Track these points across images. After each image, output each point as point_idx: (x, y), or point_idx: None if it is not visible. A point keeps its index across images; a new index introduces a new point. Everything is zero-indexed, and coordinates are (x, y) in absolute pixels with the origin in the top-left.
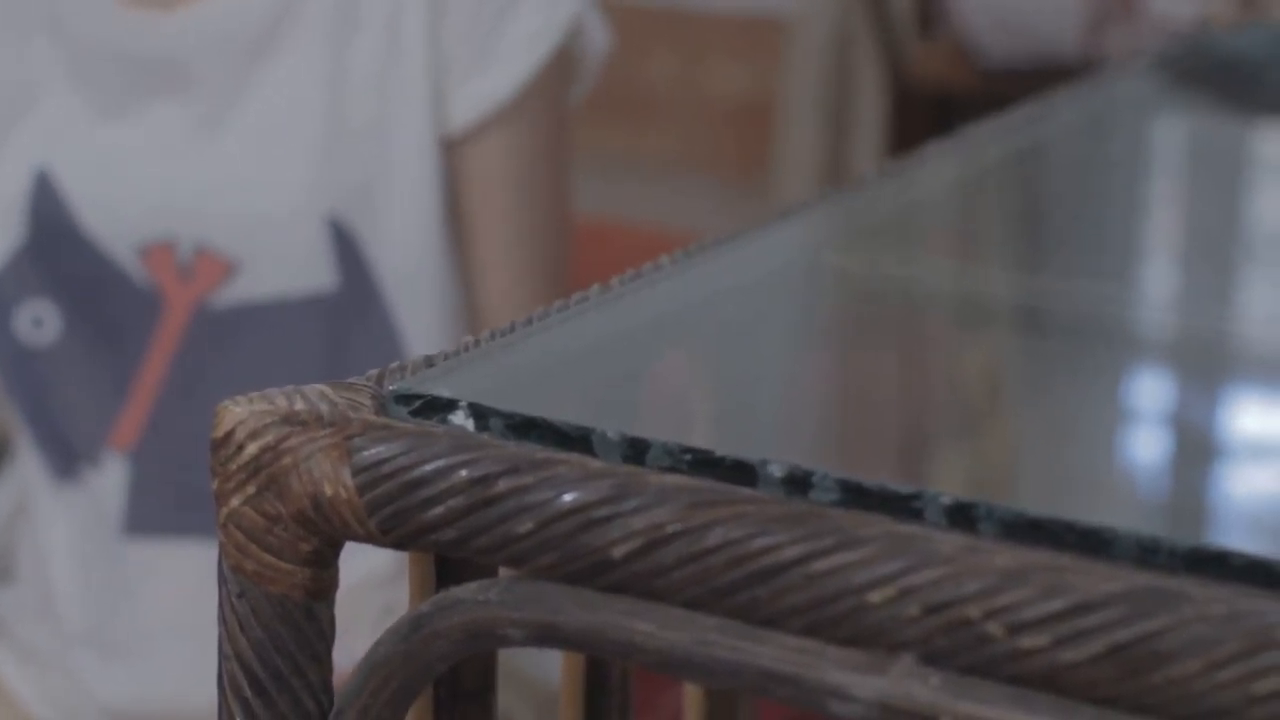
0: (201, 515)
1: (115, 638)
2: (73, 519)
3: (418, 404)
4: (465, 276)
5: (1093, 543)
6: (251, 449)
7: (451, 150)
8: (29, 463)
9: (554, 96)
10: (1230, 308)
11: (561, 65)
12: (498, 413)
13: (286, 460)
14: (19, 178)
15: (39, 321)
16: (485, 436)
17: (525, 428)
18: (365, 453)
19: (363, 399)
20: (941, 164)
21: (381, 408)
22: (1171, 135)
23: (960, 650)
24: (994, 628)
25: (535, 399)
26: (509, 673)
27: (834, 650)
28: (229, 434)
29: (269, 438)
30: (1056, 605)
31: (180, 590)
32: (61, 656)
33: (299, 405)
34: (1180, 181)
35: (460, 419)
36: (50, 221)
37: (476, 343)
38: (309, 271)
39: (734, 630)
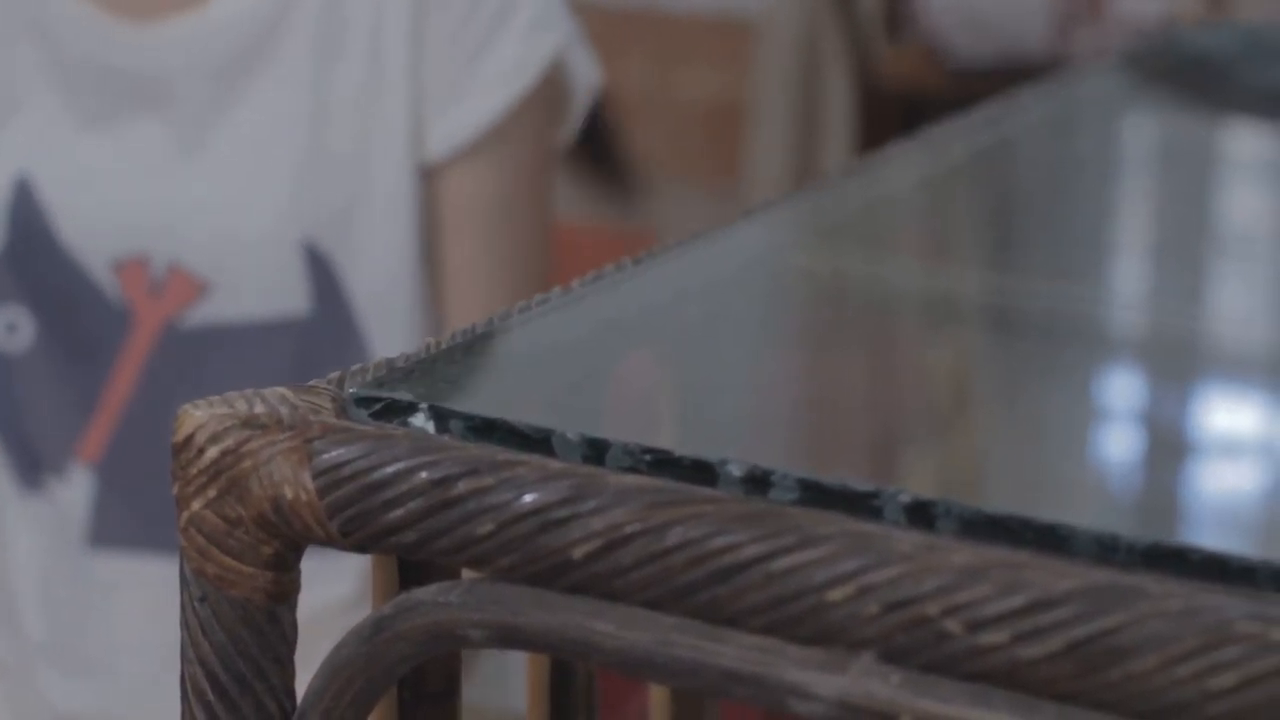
0: (165, 530)
1: (77, 650)
2: (37, 529)
3: (378, 406)
4: (438, 303)
5: (1051, 539)
6: (212, 452)
7: (429, 178)
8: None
9: (534, 129)
10: (1198, 305)
11: (544, 98)
12: (458, 415)
13: (247, 463)
14: (0, 183)
15: (13, 327)
16: (445, 438)
17: (486, 429)
18: (325, 455)
19: (323, 402)
20: (907, 162)
21: (342, 410)
22: (1139, 133)
23: (920, 648)
24: (953, 625)
25: (496, 400)
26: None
27: (794, 649)
28: (189, 438)
29: (229, 441)
30: (1015, 602)
31: (143, 604)
32: (23, 666)
33: (259, 408)
34: (1148, 179)
35: (420, 421)
36: (28, 229)
37: (437, 344)
38: (282, 295)
39: (694, 630)
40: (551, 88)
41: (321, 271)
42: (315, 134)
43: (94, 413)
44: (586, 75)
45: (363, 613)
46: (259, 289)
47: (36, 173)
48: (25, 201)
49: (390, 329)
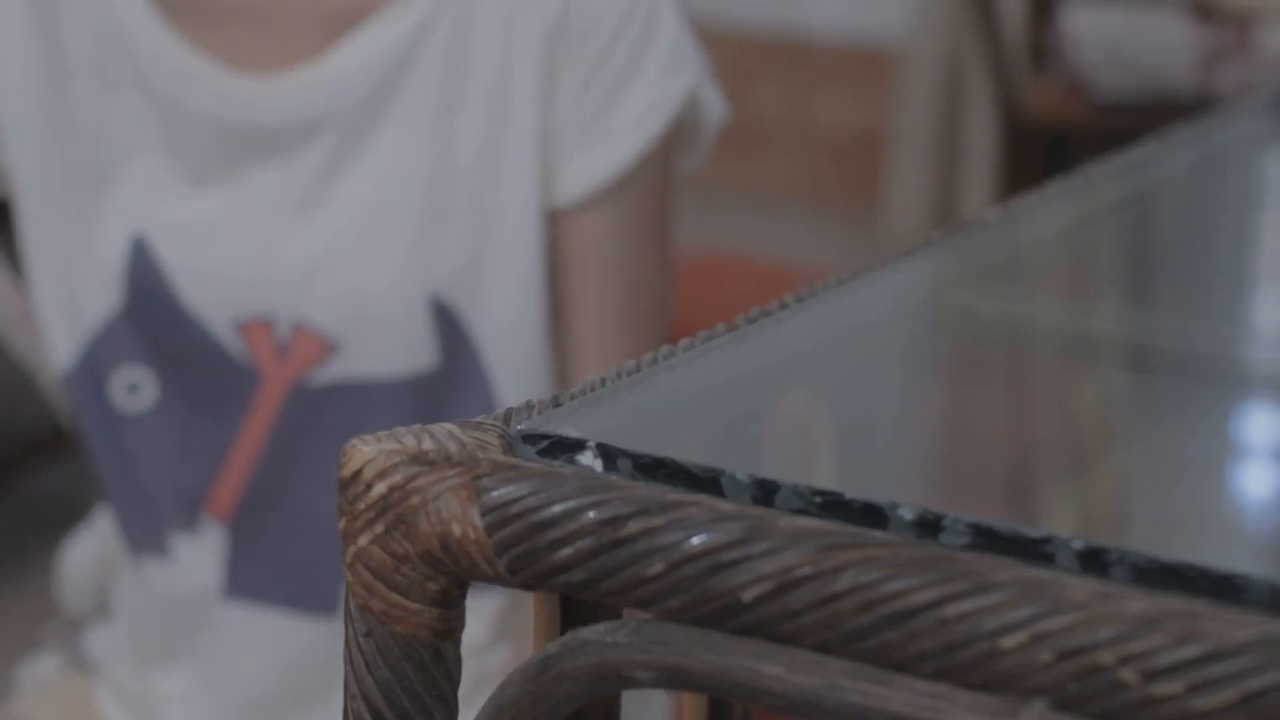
0: (296, 585)
1: (205, 702)
2: (166, 588)
3: (545, 444)
4: (561, 347)
5: (1225, 588)
6: (380, 488)
7: (555, 222)
8: (117, 525)
9: (663, 169)
10: None
11: (674, 139)
12: (625, 453)
13: (415, 500)
14: (116, 242)
15: (135, 387)
16: (614, 477)
17: (653, 468)
18: (494, 493)
19: (490, 439)
20: (1061, 202)
21: (509, 447)
22: None
23: (1093, 697)
24: (1127, 674)
25: (662, 438)
26: None
27: (965, 696)
28: (357, 473)
29: (397, 477)
30: (1190, 652)
31: (272, 658)
32: (152, 709)
33: (427, 444)
34: None
35: (588, 459)
36: (147, 289)
37: (603, 381)
38: (410, 351)
39: (864, 674)
40: (682, 126)
41: (449, 324)
42: (438, 186)
43: (221, 470)
44: (715, 110)
45: (490, 658)
46: (387, 345)
47: (152, 232)
48: (142, 262)
49: (515, 373)
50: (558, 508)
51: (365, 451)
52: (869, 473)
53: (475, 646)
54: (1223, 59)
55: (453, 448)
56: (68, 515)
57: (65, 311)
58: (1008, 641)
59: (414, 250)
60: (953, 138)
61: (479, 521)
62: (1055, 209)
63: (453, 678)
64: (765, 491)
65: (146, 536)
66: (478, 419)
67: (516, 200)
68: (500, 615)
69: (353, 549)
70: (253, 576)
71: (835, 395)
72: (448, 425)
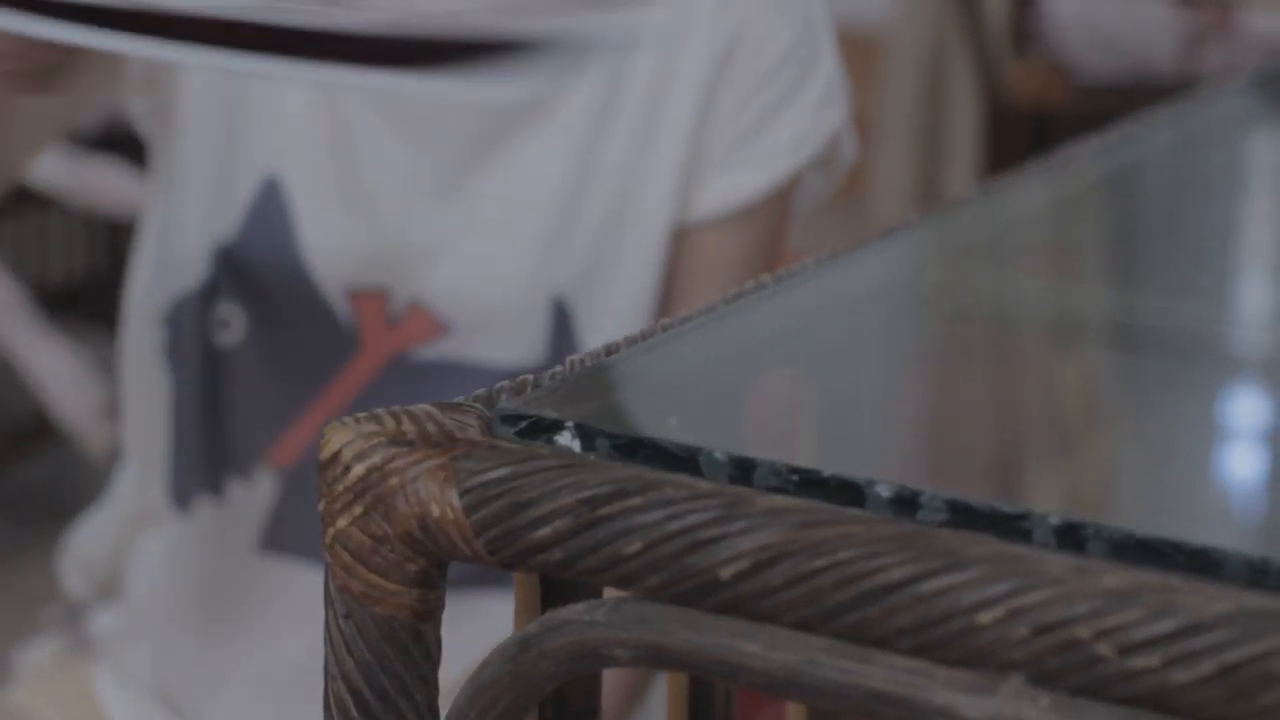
0: None
1: (231, 653)
2: (211, 532)
3: (524, 425)
4: None
5: (1202, 563)
6: (358, 470)
7: (682, 237)
8: (170, 468)
9: (791, 199)
10: None
11: (813, 170)
12: (604, 433)
13: (393, 481)
14: (247, 175)
15: (225, 322)
16: (592, 457)
17: (632, 448)
18: (472, 474)
19: (469, 420)
20: (1042, 183)
21: (488, 428)
22: (1270, 155)
23: (1070, 671)
24: (1104, 648)
25: (641, 419)
26: None
27: (943, 671)
28: (336, 455)
29: (375, 458)
30: (1167, 626)
31: (304, 611)
32: (163, 681)
33: (406, 426)
34: (1277, 199)
35: (567, 439)
36: (267, 229)
37: (582, 363)
38: (520, 344)
39: (842, 651)
40: (823, 161)
41: (563, 324)
42: (578, 194)
43: (292, 422)
44: (848, 150)
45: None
46: (498, 337)
47: (288, 176)
48: (271, 201)
49: None
50: (536, 488)
51: (344, 433)
52: (848, 450)
53: None
54: (1204, 41)
55: (431, 429)
56: (54, 505)
57: (190, 233)
58: (984, 617)
59: (543, 251)
60: (936, 122)
61: (457, 502)
62: (1034, 189)
63: (433, 658)
64: (743, 470)
65: (205, 476)
66: (457, 399)
67: (653, 212)
68: None
69: (332, 531)
70: (293, 533)
71: (814, 374)
72: (426, 406)
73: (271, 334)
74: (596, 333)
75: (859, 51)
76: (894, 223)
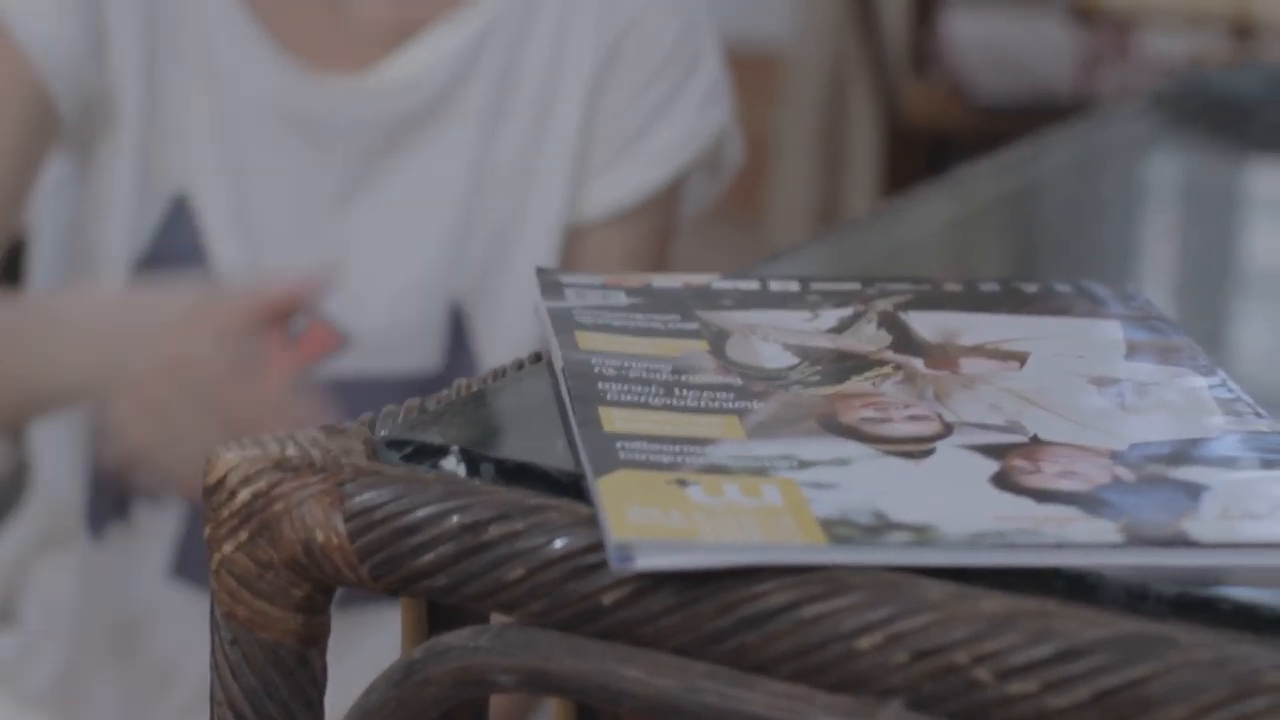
0: None
1: (135, 675)
2: (121, 557)
3: (409, 449)
4: None
5: (1079, 588)
6: (244, 495)
7: (573, 238)
8: (75, 495)
9: (677, 199)
10: (1224, 343)
11: (699, 168)
12: (488, 458)
13: (278, 506)
14: (158, 194)
15: None
16: (476, 482)
17: (517, 473)
18: (356, 499)
19: (354, 444)
20: (936, 204)
21: (373, 453)
22: (1167, 173)
23: (949, 696)
24: (982, 673)
25: (526, 444)
26: None
27: (823, 696)
28: (221, 480)
29: (261, 483)
30: (1044, 651)
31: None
32: (80, 685)
33: (291, 451)
34: (1176, 219)
35: (452, 464)
36: (177, 248)
37: (468, 387)
38: (417, 351)
39: (723, 676)
40: (708, 159)
41: (459, 330)
42: (472, 195)
43: None
44: (734, 152)
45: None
46: (395, 346)
47: (197, 193)
48: (181, 219)
49: None
50: (420, 513)
51: (229, 458)
52: None
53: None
54: (1101, 62)
55: (316, 454)
56: None
57: (105, 254)
58: (864, 642)
59: (440, 254)
60: (836, 141)
61: (342, 527)
62: (928, 210)
63: (318, 684)
64: None
65: (118, 501)
66: (342, 424)
67: (543, 217)
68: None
69: (218, 556)
70: (202, 560)
71: None
72: (312, 431)
73: None
74: (492, 339)
75: (759, 70)
76: (794, 240)
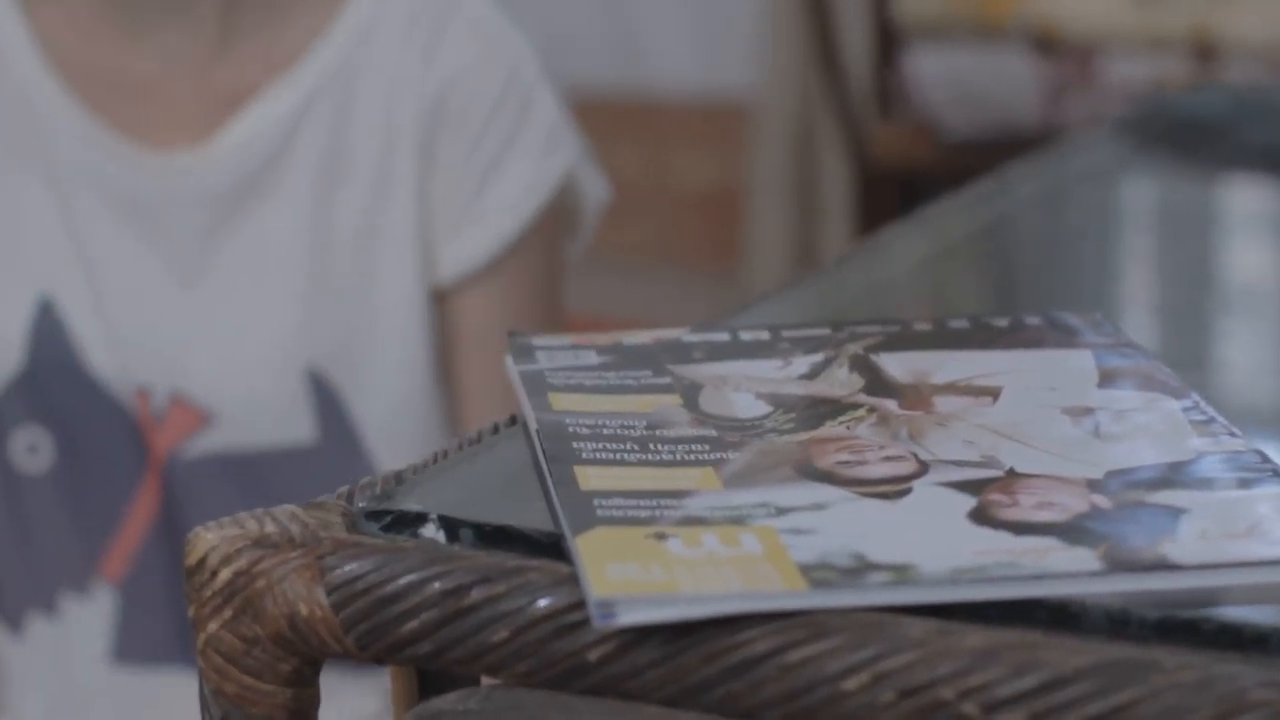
0: (190, 645)
1: None
2: (51, 649)
3: (388, 519)
4: (455, 423)
5: (1062, 618)
6: (225, 574)
7: (440, 299)
8: (3, 593)
9: (544, 246)
10: (1206, 364)
11: (553, 216)
12: (467, 523)
13: (260, 583)
14: (19, 306)
15: (34, 449)
16: (456, 548)
17: (495, 537)
18: (337, 571)
19: (333, 517)
20: (906, 243)
21: (352, 525)
22: (1137, 198)
23: None
24: (969, 708)
25: (504, 507)
26: None
27: None
28: (202, 560)
29: (242, 562)
30: (1029, 682)
31: (164, 717)
32: None
33: (270, 528)
34: (1147, 242)
35: (431, 531)
36: (51, 353)
37: (444, 454)
38: (286, 424)
39: None
40: (561, 205)
41: (326, 398)
42: (317, 262)
43: (115, 534)
44: (595, 190)
45: None
46: (262, 418)
47: (59, 296)
48: (48, 325)
49: (403, 451)
50: (401, 581)
51: (208, 538)
52: None
53: (368, 718)
54: (1066, 91)
55: (295, 529)
56: None
57: None
58: (850, 683)
59: (292, 323)
60: (808, 187)
61: (325, 600)
62: (898, 250)
63: None
64: None
65: (36, 595)
66: (319, 499)
67: (397, 280)
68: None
69: (203, 635)
70: (143, 640)
71: None
72: (290, 507)
73: (78, 452)
74: (366, 406)
75: (727, 121)
76: (773, 286)
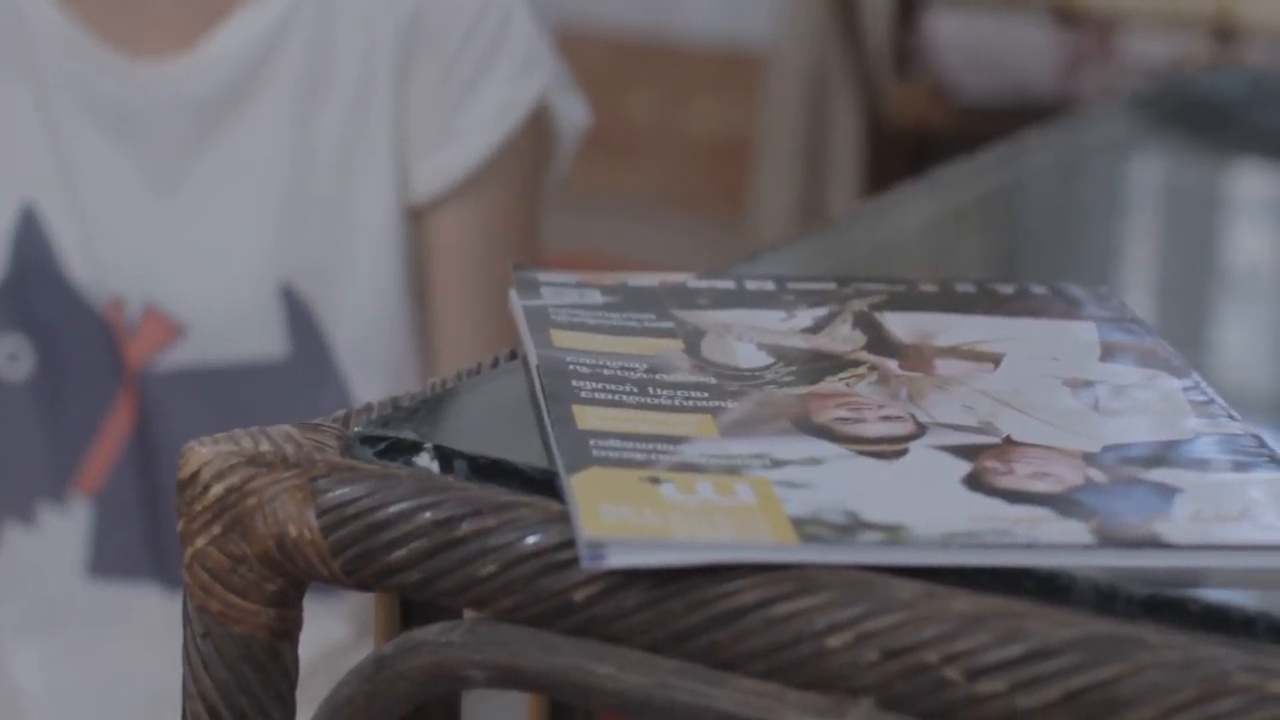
0: (164, 560)
1: (72, 681)
2: (27, 559)
3: (383, 445)
4: (427, 346)
5: (1050, 588)
6: (217, 489)
7: (416, 220)
8: None
9: (519, 171)
10: (1205, 345)
11: (529, 141)
12: (462, 455)
13: (251, 501)
14: (2, 213)
15: (14, 356)
16: (449, 479)
17: (489, 470)
18: (329, 494)
19: (328, 440)
20: (916, 204)
21: (347, 449)
22: (1147, 176)
23: (919, 695)
24: (952, 673)
25: (500, 441)
26: None
27: (793, 694)
28: (194, 474)
29: (234, 478)
30: (1014, 651)
31: (142, 634)
32: (10, 698)
33: (264, 446)
34: (1155, 221)
35: (425, 461)
36: (32, 259)
37: (442, 384)
38: (258, 338)
39: (694, 673)
40: (537, 130)
41: (299, 315)
42: (296, 177)
43: (92, 445)
44: (574, 117)
45: (362, 654)
46: (234, 332)
47: (41, 203)
48: (30, 233)
49: (375, 371)
50: (392, 509)
51: (202, 453)
52: None
53: (342, 644)
54: (1083, 63)
55: (289, 449)
56: None
57: None
58: (834, 641)
59: (268, 237)
60: (819, 142)
61: (315, 522)
62: (908, 210)
63: (290, 677)
64: None
65: (13, 505)
66: (316, 420)
67: (374, 196)
68: (363, 612)
69: (190, 550)
70: (119, 553)
71: None
72: (286, 427)
73: (58, 361)
74: (339, 324)
75: (743, 70)
76: (776, 239)
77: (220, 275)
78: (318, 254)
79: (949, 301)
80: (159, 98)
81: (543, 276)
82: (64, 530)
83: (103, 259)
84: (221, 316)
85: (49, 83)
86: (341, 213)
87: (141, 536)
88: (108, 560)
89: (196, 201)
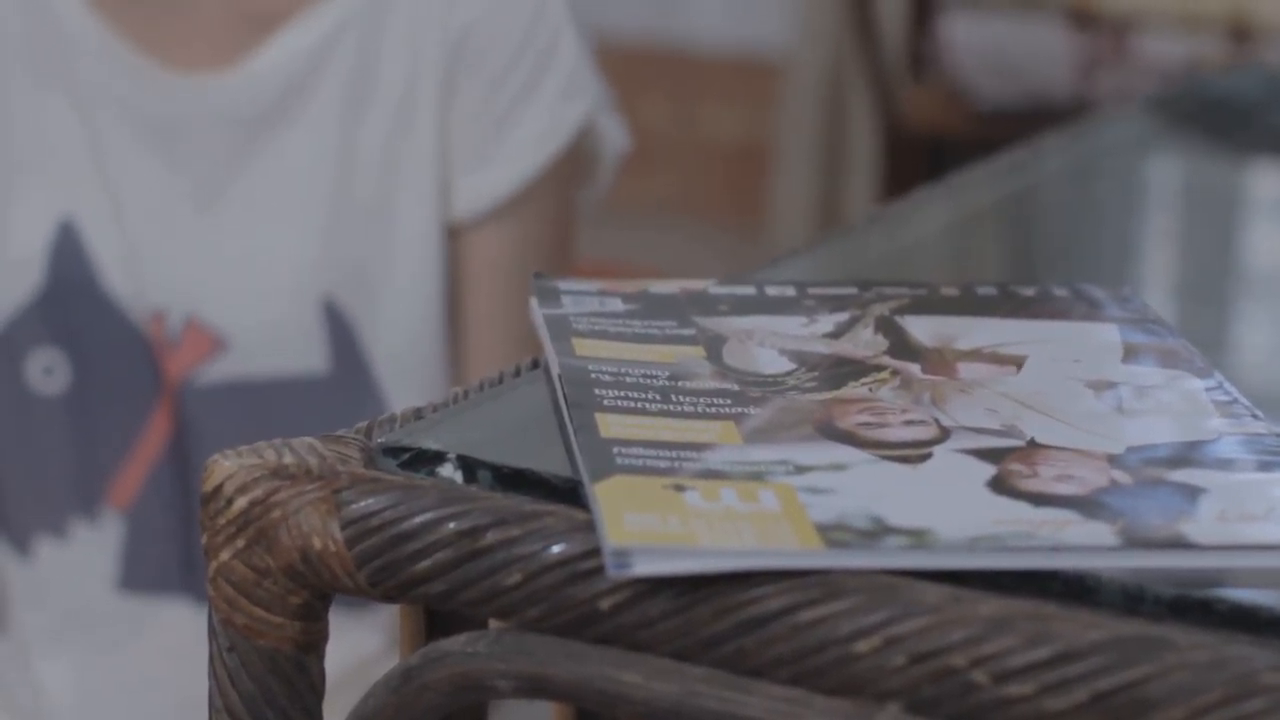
0: (194, 575)
1: (101, 695)
2: (58, 573)
3: (406, 456)
4: (459, 365)
5: (1077, 590)
6: (241, 503)
7: (454, 237)
8: (11, 514)
9: (559, 193)
10: (1225, 344)
11: (570, 163)
12: (485, 464)
13: (275, 514)
14: (40, 226)
15: (50, 370)
16: (473, 489)
17: (513, 480)
18: (353, 506)
19: (351, 452)
20: (934, 208)
21: (370, 460)
22: (1164, 177)
23: (946, 699)
24: (979, 676)
25: (523, 450)
26: None
27: (820, 700)
28: (218, 488)
29: (258, 491)
30: (1041, 653)
31: (171, 648)
32: (41, 711)
33: (288, 459)
34: (1173, 222)
35: (448, 471)
36: (70, 273)
37: (465, 394)
38: (300, 352)
39: (721, 680)
40: (578, 152)
41: (340, 329)
42: (338, 192)
43: (126, 460)
44: (615, 139)
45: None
46: (276, 346)
47: (80, 216)
48: (68, 246)
49: (410, 386)
50: (417, 519)
51: (226, 466)
52: None
53: (372, 657)
54: (1100, 67)
55: (313, 461)
56: None
57: None
58: (861, 646)
59: (311, 251)
60: (836, 147)
61: (339, 534)
62: (926, 214)
63: (316, 690)
64: None
65: (44, 518)
66: (339, 432)
67: (415, 212)
68: (393, 624)
69: (214, 564)
70: (151, 568)
71: None
72: (309, 439)
73: (94, 375)
74: (379, 339)
75: (758, 76)
76: (795, 245)
77: (263, 288)
78: (359, 267)
79: (970, 305)
80: (203, 112)
81: (563, 285)
82: (95, 544)
83: (144, 272)
84: (263, 329)
85: (89, 95)
86: (383, 226)
87: (175, 551)
88: (138, 575)
89: (239, 215)
